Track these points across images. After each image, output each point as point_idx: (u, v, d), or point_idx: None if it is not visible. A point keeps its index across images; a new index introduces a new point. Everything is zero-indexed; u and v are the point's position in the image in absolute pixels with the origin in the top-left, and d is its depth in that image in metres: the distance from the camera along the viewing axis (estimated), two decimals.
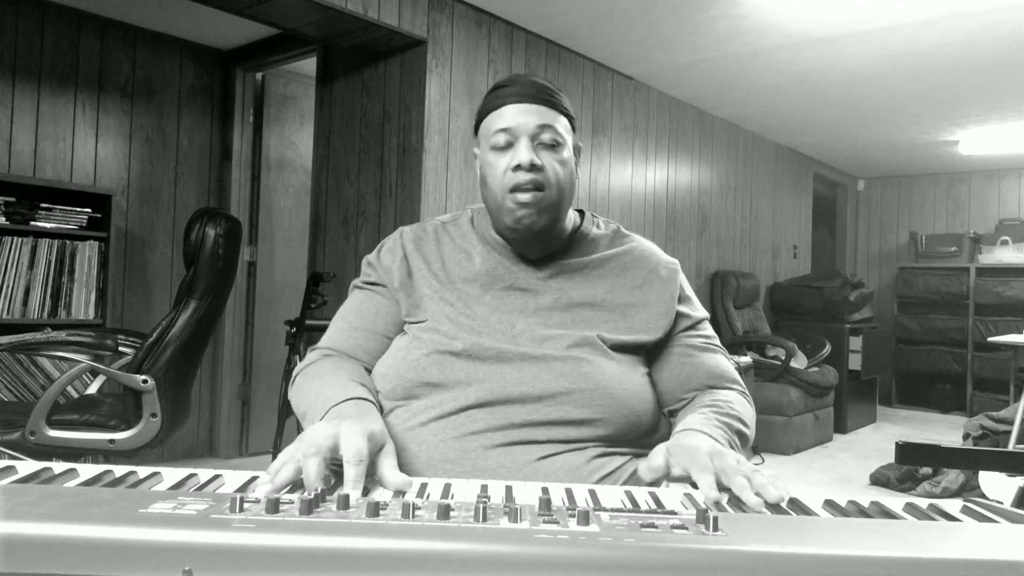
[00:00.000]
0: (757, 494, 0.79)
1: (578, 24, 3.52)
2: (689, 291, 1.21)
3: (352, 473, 0.78)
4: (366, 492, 0.80)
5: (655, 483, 0.91)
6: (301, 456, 0.79)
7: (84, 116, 3.54)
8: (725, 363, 1.18)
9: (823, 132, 5.56)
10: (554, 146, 1.09)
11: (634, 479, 1.03)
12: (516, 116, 1.08)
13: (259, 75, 4.13)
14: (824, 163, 6.71)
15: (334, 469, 0.84)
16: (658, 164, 4.58)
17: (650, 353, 1.14)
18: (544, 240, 1.13)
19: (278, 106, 4.21)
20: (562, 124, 1.11)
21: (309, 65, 3.88)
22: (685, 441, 0.93)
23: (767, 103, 4.81)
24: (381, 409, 1.05)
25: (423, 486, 0.81)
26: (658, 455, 0.91)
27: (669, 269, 1.19)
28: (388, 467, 0.84)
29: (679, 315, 1.16)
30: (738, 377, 1.18)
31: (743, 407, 1.11)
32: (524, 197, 1.07)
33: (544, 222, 1.09)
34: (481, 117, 1.14)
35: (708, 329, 1.20)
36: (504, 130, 1.08)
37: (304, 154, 4.22)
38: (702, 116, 4.99)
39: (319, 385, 1.04)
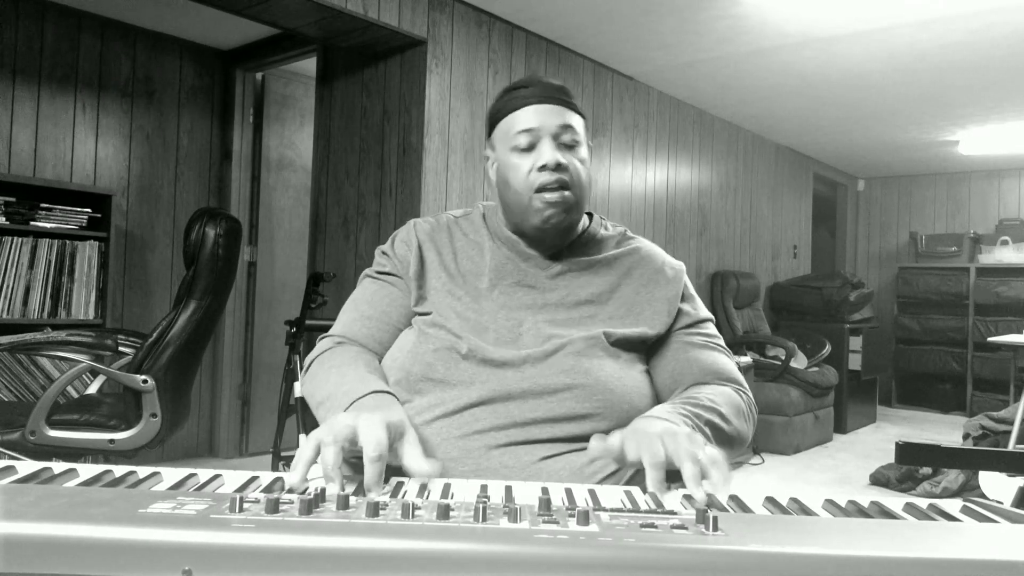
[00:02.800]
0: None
1: (578, 24, 3.52)
2: (693, 292, 1.22)
3: (372, 472, 0.77)
4: (398, 487, 0.80)
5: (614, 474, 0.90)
6: (320, 442, 0.79)
7: (84, 116, 3.54)
8: (723, 360, 1.16)
9: (823, 132, 5.56)
10: (574, 146, 1.12)
11: (636, 480, 1.03)
12: (538, 117, 1.10)
13: (259, 75, 4.13)
14: (824, 163, 6.71)
15: (354, 461, 0.84)
16: (658, 164, 4.58)
17: (651, 349, 1.15)
18: (564, 238, 1.16)
19: (278, 106, 4.21)
20: (579, 123, 1.14)
21: (309, 65, 3.88)
22: (636, 425, 0.91)
23: (767, 103, 4.81)
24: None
25: (423, 486, 0.81)
26: (614, 436, 0.89)
27: (675, 270, 1.20)
28: (413, 455, 0.84)
29: (680, 312, 1.16)
30: (736, 375, 1.16)
31: (726, 400, 1.08)
32: (551, 196, 1.09)
33: (570, 221, 1.13)
34: (496, 118, 1.15)
35: (710, 329, 1.20)
36: (527, 131, 1.10)
37: (304, 154, 4.22)
38: (702, 116, 4.99)
39: (337, 376, 1.04)
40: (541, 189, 1.09)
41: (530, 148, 1.10)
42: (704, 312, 1.21)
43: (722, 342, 1.20)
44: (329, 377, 1.05)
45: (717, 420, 1.03)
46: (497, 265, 1.15)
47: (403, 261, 1.18)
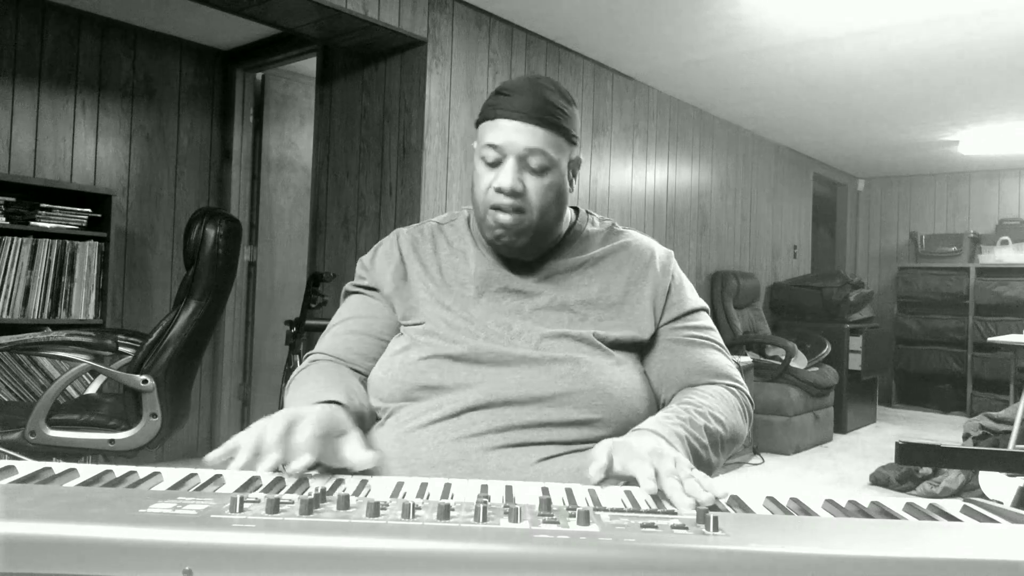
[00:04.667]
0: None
1: (578, 24, 3.52)
2: (681, 281, 1.19)
3: (301, 439, 0.81)
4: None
5: (601, 482, 0.86)
6: (263, 426, 0.82)
7: (84, 116, 3.54)
8: (712, 357, 1.13)
9: (823, 132, 5.56)
10: (542, 170, 1.07)
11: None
12: (507, 134, 1.05)
13: (259, 75, 4.13)
14: (824, 163, 6.71)
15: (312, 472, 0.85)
16: (658, 164, 4.58)
17: (644, 348, 1.14)
18: (528, 251, 1.13)
19: (278, 106, 4.21)
20: (556, 145, 1.07)
21: (309, 65, 3.88)
22: (627, 439, 0.91)
23: (767, 103, 4.81)
24: (366, 415, 1.07)
25: (423, 486, 0.81)
26: (602, 453, 0.88)
27: (663, 262, 1.18)
28: (353, 448, 0.86)
29: (667, 305, 1.14)
30: (729, 371, 1.14)
31: (722, 403, 1.07)
32: (503, 218, 1.07)
33: (522, 243, 1.10)
34: (480, 117, 1.13)
35: (700, 319, 1.17)
36: (493, 146, 1.06)
37: (304, 154, 4.22)
38: (702, 116, 4.99)
39: (303, 391, 1.04)
40: (496, 208, 1.07)
41: (495, 163, 1.07)
42: (693, 302, 1.17)
43: (713, 335, 1.17)
44: (296, 394, 1.06)
45: (714, 425, 1.02)
46: (483, 272, 1.14)
47: (381, 275, 1.18)
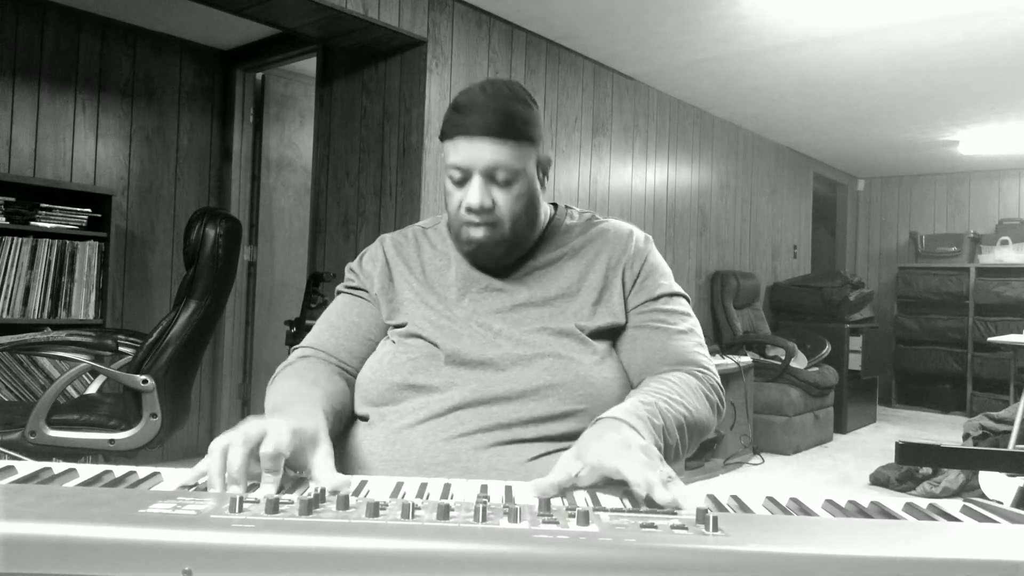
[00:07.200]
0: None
1: (578, 24, 3.52)
2: (655, 266, 1.17)
3: (266, 465, 0.77)
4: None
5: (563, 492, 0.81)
6: (229, 443, 0.78)
7: (84, 116, 3.54)
8: (675, 343, 1.11)
9: (823, 132, 5.56)
10: (509, 182, 1.07)
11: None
12: (468, 152, 1.05)
13: (259, 75, 4.13)
14: (824, 163, 6.71)
15: (289, 474, 0.84)
16: (658, 164, 4.58)
17: (618, 334, 1.13)
18: (505, 259, 1.14)
19: (278, 106, 4.21)
20: (519, 154, 1.06)
21: (309, 65, 3.88)
22: (591, 441, 0.87)
23: (767, 103, 4.81)
24: (344, 415, 1.07)
25: (423, 486, 0.81)
26: (564, 467, 0.82)
27: (639, 245, 1.18)
28: (322, 467, 0.82)
29: (636, 290, 1.14)
30: (694, 357, 1.11)
31: (683, 387, 1.04)
32: (476, 234, 1.09)
33: (498, 253, 1.11)
34: (442, 135, 1.11)
35: (670, 304, 1.15)
36: (456, 167, 1.07)
37: (304, 154, 4.22)
38: (702, 116, 4.99)
39: (285, 388, 1.03)
40: (468, 224, 1.09)
41: (462, 182, 1.08)
42: (665, 287, 1.15)
43: (682, 320, 1.14)
44: (280, 389, 1.05)
45: (676, 409, 0.99)
46: (464, 275, 1.16)
47: (369, 277, 1.20)
